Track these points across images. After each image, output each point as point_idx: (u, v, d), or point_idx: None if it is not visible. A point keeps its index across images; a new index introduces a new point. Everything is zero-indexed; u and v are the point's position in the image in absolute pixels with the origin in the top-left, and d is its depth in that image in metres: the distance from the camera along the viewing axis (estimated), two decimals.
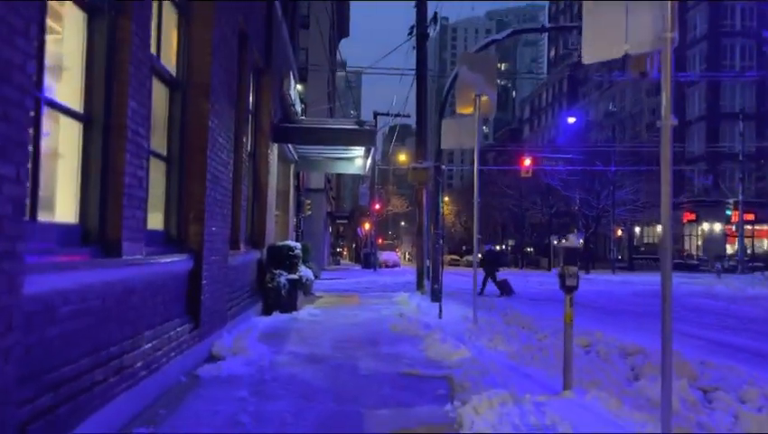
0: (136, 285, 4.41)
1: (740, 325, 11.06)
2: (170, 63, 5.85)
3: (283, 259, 10.89)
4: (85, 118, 4.02)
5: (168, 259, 5.34)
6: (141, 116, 4.44)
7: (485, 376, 5.55)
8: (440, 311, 10.49)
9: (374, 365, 6.18)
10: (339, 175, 50.70)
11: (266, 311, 10.47)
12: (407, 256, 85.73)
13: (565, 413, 4.49)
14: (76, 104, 3.95)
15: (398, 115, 37.91)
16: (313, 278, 11.66)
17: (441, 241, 13.45)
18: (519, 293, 18.44)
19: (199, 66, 6.20)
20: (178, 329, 5.40)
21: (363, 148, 13.60)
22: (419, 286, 15.54)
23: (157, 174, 5.79)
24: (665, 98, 3.90)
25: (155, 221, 5.74)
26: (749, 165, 40.33)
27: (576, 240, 5.05)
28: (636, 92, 54.98)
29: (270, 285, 10.53)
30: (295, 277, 10.79)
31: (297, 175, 22.20)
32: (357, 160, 16.32)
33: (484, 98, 9.49)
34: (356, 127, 12.36)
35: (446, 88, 12.73)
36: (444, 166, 15.87)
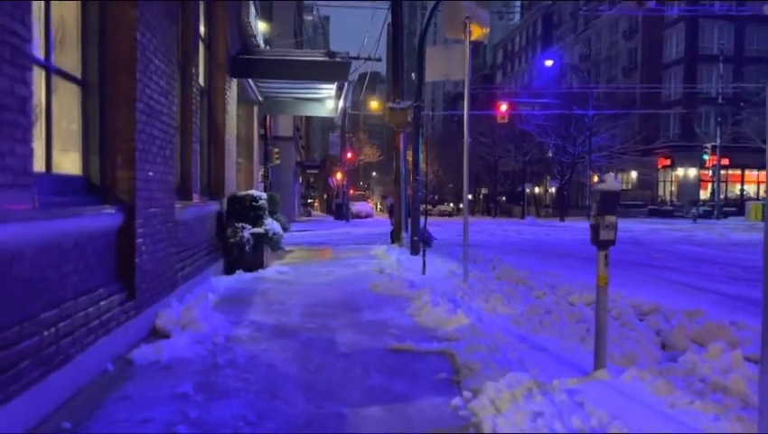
0: (24, 250, 3.14)
1: (746, 274, 10.23)
2: None
3: (246, 210, 9.63)
4: None
5: (84, 214, 4.06)
6: (17, 8, 3.08)
7: (494, 353, 4.47)
8: (423, 266, 9.43)
9: (356, 339, 5.05)
10: (308, 123, 48.91)
11: (229, 270, 9.25)
12: (378, 206, 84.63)
13: (608, 406, 3.45)
14: None
15: (368, 59, 36.09)
16: (281, 231, 10.42)
17: (423, 190, 12.25)
18: (502, 243, 17.54)
19: None
20: (102, 303, 4.16)
21: (335, 86, 12.12)
22: (397, 237, 14.43)
23: (71, 103, 4.45)
24: None
25: (70, 163, 4.42)
26: (727, 109, 39.69)
27: (615, 183, 3.90)
28: (613, 34, 53.60)
29: (232, 240, 9.28)
30: (260, 230, 9.56)
31: (263, 122, 20.63)
32: (328, 101, 14.86)
33: (475, 23, 8.22)
34: (326, 58, 10.88)
35: (428, 12, 11.19)
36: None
